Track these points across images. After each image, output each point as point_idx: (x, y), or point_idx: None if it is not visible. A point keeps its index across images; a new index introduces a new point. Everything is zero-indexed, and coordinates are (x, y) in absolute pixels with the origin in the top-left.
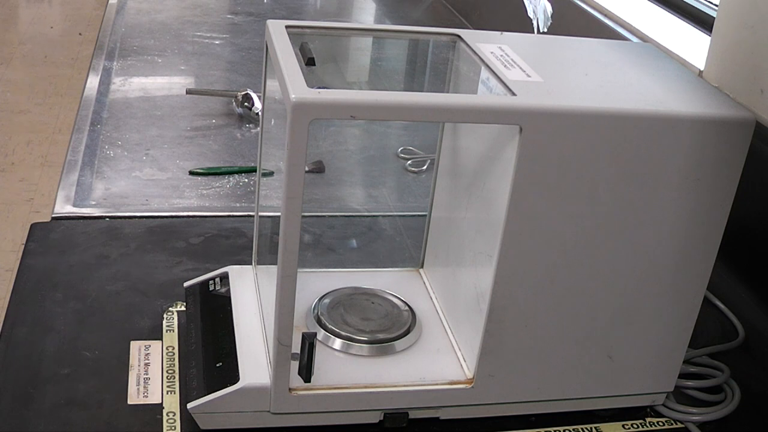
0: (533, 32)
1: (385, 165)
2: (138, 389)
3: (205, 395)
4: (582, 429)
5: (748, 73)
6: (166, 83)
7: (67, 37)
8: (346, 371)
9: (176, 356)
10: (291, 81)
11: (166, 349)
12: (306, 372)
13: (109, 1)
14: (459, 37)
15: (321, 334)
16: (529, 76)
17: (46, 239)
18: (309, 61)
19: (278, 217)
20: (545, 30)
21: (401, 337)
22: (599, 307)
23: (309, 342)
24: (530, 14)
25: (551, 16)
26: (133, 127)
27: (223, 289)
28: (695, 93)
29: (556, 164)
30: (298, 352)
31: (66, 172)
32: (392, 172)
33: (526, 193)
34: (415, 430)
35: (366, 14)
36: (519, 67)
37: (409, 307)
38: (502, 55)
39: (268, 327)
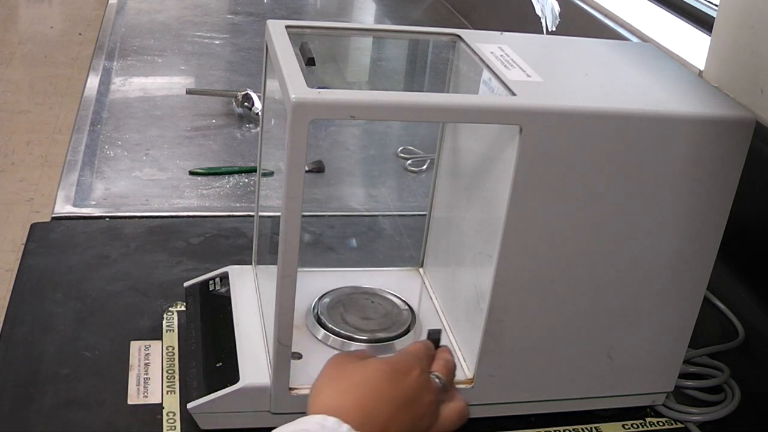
0: (539, 32)
1: (385, 165)
2: (138, 389)
3: (205, 395)
4: (582, 429)
5: (748, 73)
6: (166, 83)
7: (67, 37)
8: None
9: (176, 356)
10: (291, 81)
11: (166, 349)
12: None
13: (109, 1)
14: (459, 37)
15: (321, 333)
16: (529, 76)
17: (46, 239)
18: (309, 61)
19: (278, 217)
20: (554, 29)
21: (401, 337)
22: (599, 307)
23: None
24: (538, 13)
25: (559, 15)
26: (133, 127)
27: (223, 289)
28: (695, 93)
29: (556, 164)
30: (298, 351)
31: (66, 172)
32: (392, 172)
33: (526, 193)
34: None
35: (366, 14)
36: (519, 67)
37: (408, 306)
38: (502, 55)
39: (268, 327)
